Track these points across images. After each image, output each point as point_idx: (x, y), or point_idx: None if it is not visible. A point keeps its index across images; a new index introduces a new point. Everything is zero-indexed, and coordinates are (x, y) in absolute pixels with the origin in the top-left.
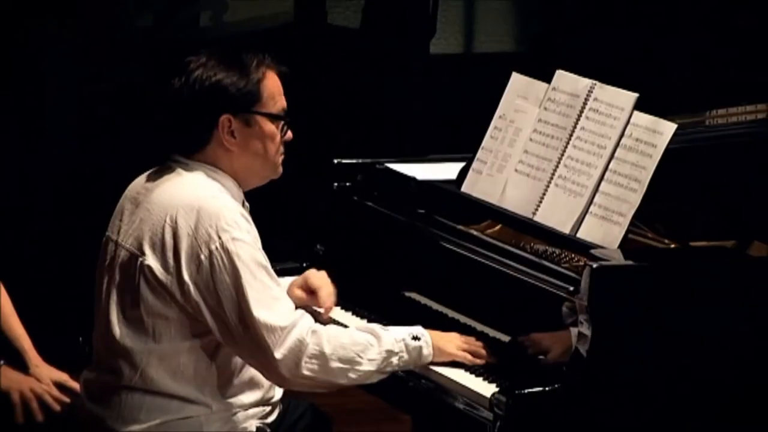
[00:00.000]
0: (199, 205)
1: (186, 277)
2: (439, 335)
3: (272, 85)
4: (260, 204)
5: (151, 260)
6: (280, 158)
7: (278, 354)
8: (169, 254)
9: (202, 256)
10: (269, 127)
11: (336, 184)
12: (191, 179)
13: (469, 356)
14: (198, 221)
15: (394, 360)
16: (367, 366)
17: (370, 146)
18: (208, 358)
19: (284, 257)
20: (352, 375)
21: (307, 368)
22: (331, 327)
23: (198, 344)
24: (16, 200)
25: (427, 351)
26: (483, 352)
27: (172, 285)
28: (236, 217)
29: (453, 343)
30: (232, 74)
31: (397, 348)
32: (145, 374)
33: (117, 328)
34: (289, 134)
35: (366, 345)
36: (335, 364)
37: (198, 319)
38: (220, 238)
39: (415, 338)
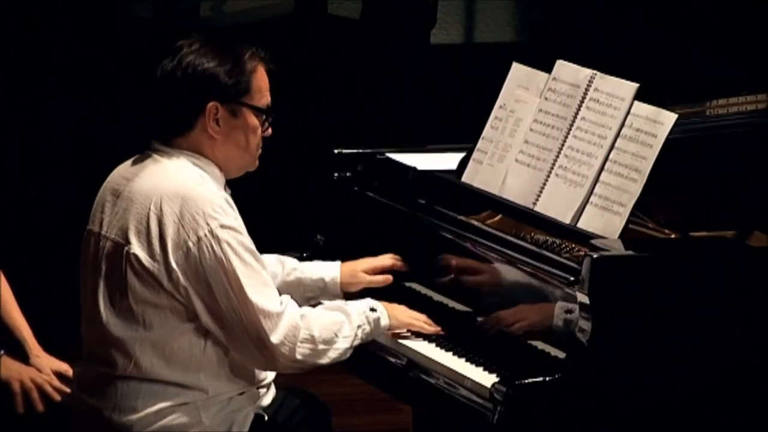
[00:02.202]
0: (184, 191)
1: (173, 263)
2: (389, 305)
3: (261, 79)
4: (260, 194)
5: (137, 249)
6: (259, 152)
7: (275, 339)
8: (155, 242)
9: (190, 243)
10: (253, 120)
11: (336, 174)
12: (173, 166)
13: (420, 323)
14: (184, 208)
15: (359, 333)
16: (342, 343)
17: (371, 136)
18: (202, 342)
19: (284, 247)
20: (332, 354)
21: (300, 353)
22: (309, 308)
23: (190, 329)
24: (17, 190)
25: (384, 321)
26: (429, 327)
27: (159, 272)
28: (222, 203)
29: (405, 312)
30: (224, 63)
31: (361, 321)
32: (139, 363)
33: (107, 319)
34: (269, 130)
35: (341, 323)
36: (321, 346)
37: (185, 305)
38: (208, 224)
39: (372, 309)
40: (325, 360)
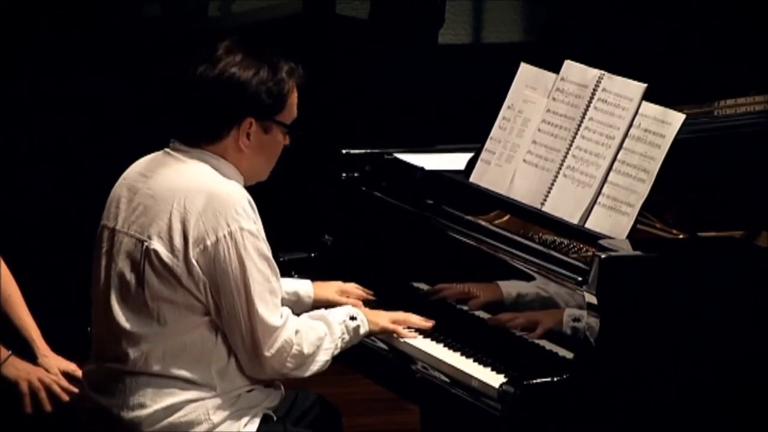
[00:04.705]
0: (209, 189)
1: (192, 257)
2: (370, 312)
3: (294, 96)
4: (268, 194)
5: (157, 244)
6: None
7: (267, 352)
8: (177, 237)
9: (208, 242)
10: (280, 137)
11: (344, 174)
12: (195, 166)
13: (399, 328)
14: (207, 205)
15: (339, 343)
16: (323, 356)
17: (378, 136)
18: (213, 337)
19: (292, 247)
20: (313, 368)
21: (287, 367)
22: (302, 323)
23: (204, 323)
24: (23, 191)
25: (364, 329)
26: (413, 319)
27: (178, 268)
28: (245, 205)
29: (385, 316)
30: (266, 81)
31: (341, 331)
32: (150, 357)
33: (120, 314)
34: (287, 142)
35: (323, 336)
36: (307, 360)
37: (202, 302)
38: (228, 225)
39: (353, 318)
40: (307, 373)
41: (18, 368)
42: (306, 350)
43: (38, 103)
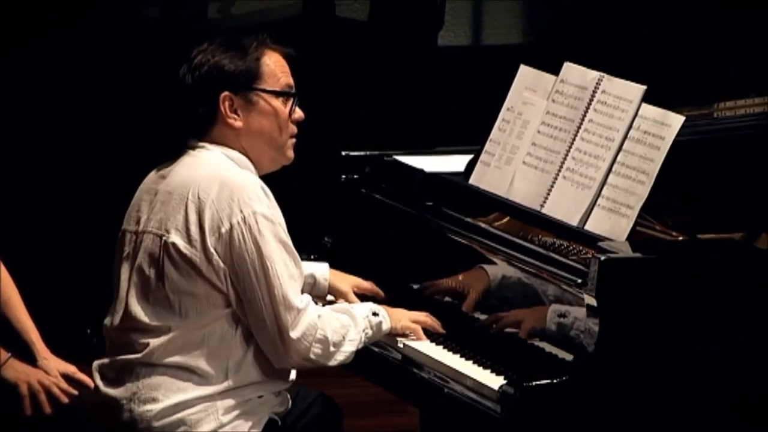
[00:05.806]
0: (221, 178)
1: (210, 246)
2: (390, 309)
3: (273, 62)
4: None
5: (175, 237)
6: (290, 140)
7: (294, 334)
8: (194, 228)
9: (223, 230)
10: (275, 103)
11: (344, 176)
12: (209, 157)
13: (423, 319)
14: (220, 193)
15: (363, 336)
16: (348, 347)
17: (378, 138)
18: (233, 330)
19: None
20: (339, 357)
21: (313, 352)
22: (325, 310)
23: (224, 317)
24: (23, 194)
25: (386, 325)
26: (430, 321)
27: (197, 258)
28: (258, 191)
29: (405, 315)
30: (230, 55)
31: (365, 325)
32: (169, 348)
33: (140, 310)
34: (299, 112)
35: (348, 327)
36: (332, 348)
37: (223, 292)
38: (242, 211)
39: (375, 314)
40: (332, 362)
41: (18, 370)
42: (331, 336)
43: (38, 102)
